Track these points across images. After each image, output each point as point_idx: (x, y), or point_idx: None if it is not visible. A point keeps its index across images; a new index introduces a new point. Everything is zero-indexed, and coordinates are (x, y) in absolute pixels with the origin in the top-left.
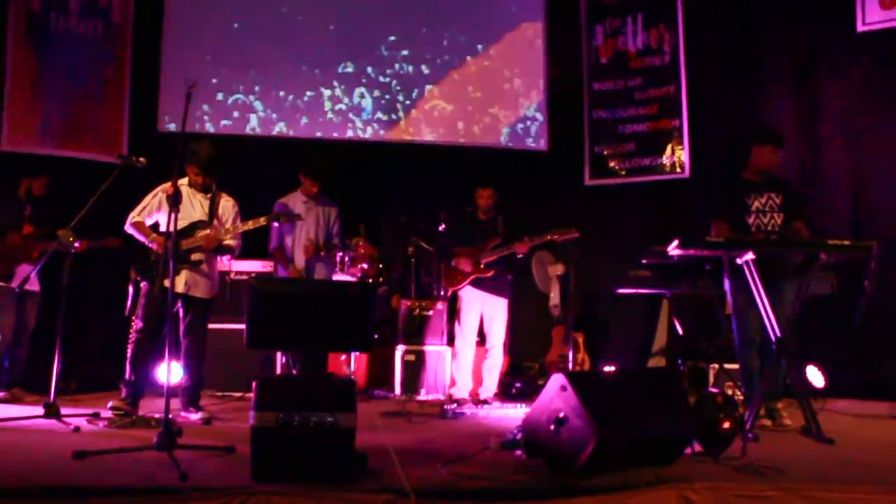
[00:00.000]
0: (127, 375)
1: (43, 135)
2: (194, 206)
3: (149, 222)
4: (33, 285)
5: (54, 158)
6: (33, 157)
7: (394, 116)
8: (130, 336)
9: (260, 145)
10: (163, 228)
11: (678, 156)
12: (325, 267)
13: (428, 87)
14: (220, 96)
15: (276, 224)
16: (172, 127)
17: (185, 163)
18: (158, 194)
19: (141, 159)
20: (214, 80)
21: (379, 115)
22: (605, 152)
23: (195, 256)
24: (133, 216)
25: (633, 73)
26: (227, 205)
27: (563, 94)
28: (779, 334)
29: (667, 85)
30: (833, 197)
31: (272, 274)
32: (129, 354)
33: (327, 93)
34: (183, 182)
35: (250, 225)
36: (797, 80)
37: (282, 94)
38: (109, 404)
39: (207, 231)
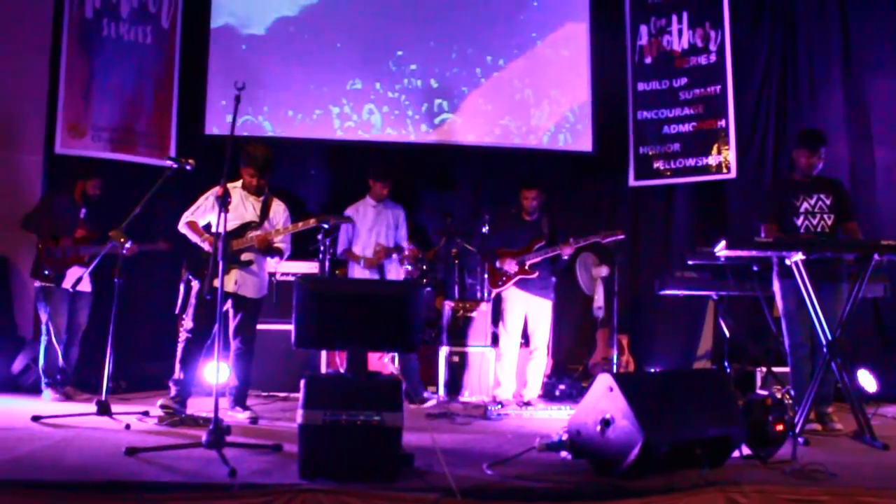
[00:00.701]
0: (176, 374)
1: (95, 138)
2: (246, 208)
3: (202, 222)
4: (85, 286)
5: (105, 161)
6: (85, 161)
7: (403, 131)
8: (180, 335)
9: (310, 147)
10: (214, 230)
11: (724, 156)
12: (395, 269)
13: (444, 101)
14: (228, 118)
15: (344, 227)
16: (216, 130)
17: (241, 165)
18: (209, 195)
19: (190, 161)
20: (223, 102)
21: (389, 130)
22: (650, 153)
23: (245, 256)
24: (187, 216)
25: (679, 72)
26: (278, 208)
27: (607, 94)
28: (830, 337)
29: (713, 84)
30: (886, 197)
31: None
32: (178, 354)
33: (336, 110)
34: (236, 185)
35: (300, 226)
36: (846, 77)
37: (290, 113)
38: (159, 402)
39: (259, 232)
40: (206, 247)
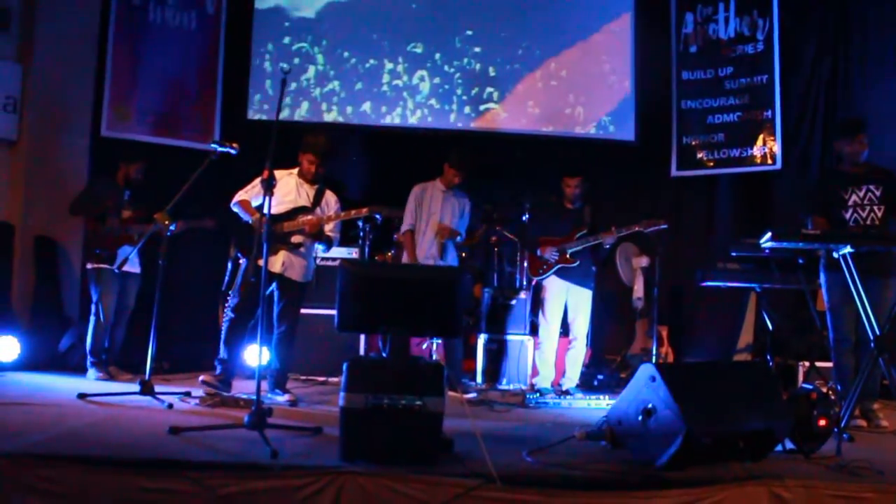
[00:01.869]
0: (220, 354)
1: (140, 122)
2: (300, 195)
3: (255, 203)
4: (134, 267)
5: (151, 145)
6: (131, 144)
7: (446, 107)
8: (225, 314)
9: (353, 133)
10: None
11: (770, 147)
12: (452, 253)
13: (494, 91)
14: (286, 39)
15: (409, 208)
16: (259, 116)
17: (300, 151)
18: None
19: (234, 145)
20: (287, 24)
21: (433, 101)
22: (694, 143)
23: (295, 239)
24: (240, 194)
25: (725, 61)
26: (330, 199)
27: (651, 84)
28: (878, 332)
29: (759, 74)
30: None
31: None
32: (223, 333)
33: (389, 66)
34: (293, 171)
35: (353, 214)
36: None
37: (346, 54)
38: (201, 378)
39: (310, 217)
40: (255, 225)
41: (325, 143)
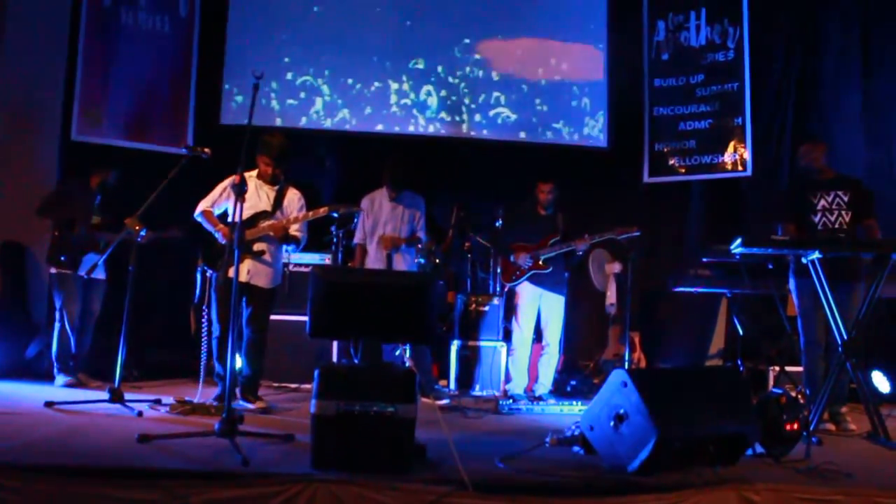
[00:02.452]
0: (217, 370)
1: (111, 126)
2: (260, 197)
3: (217, 211)
4: (100, 273)
5: (122, 149)
6: (101, 148)
7: (457, 118)
8: (194, 323)
9: (325, 139)
10: (230, 219)
11: (740, 153)
12: (405, 260)
13: (501, 95)
14: (289, 75)
15: (360, 218)
16: (233, 118)
17: (256, 153)
18: (225, 184)
19: (206, 150)
20: (287, 59)
21: (443, 114)
22: (665, 150)
23: (257, 247)
24: (202, 204)
25: (696, 69)
26: (293, 197)
27: (623, 90)
28: (845, 337)
29: (730, 82)
30: None
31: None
32: (214, 351)
33: (395, 86)
34: (252, 174)
35: (310, 215)
36: (866, 75)
37: (350, 81)
38: (208, 401)
39: (272, 221)
40: (219, 237)
41: (280, 145)
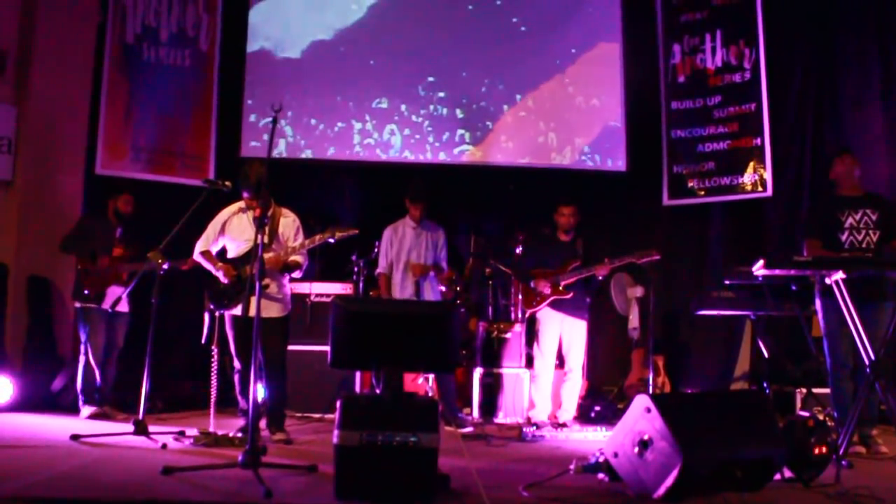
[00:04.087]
0: (241, 405)
1: (135, 160)
2: (252, 227)
3: (215, 249)
4: (123, 306)
5: (145, 182)
6: (125, 181)
7: (421, 156)
8: (212, 363)
9: (341, 169)
10: (230, 255)
11: (760, 174)
12: (432, 289)
13: (505, 106)
14: (252, 118)
15: (384, 247)
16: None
17: (239, 187)
18: (217, 221)
19: (227, 183)
20: (249, 101)
21: (406, 153)
22: (684, 172)
23: (267, 281)
24: (199, 245)
25: (713, 90)
26: (286, 221)
27: (640, 114)
28: (873, 357)
29: (747, 102)
30: None
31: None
32: (236, 386)
33: (358, 126)
34: (241, 205)
35: (307, 244)
36: (886, 92)
37: (313, 122)
38: (232, 433)
39: (270, 254)
40: (220, 276)
41: (256, 174)
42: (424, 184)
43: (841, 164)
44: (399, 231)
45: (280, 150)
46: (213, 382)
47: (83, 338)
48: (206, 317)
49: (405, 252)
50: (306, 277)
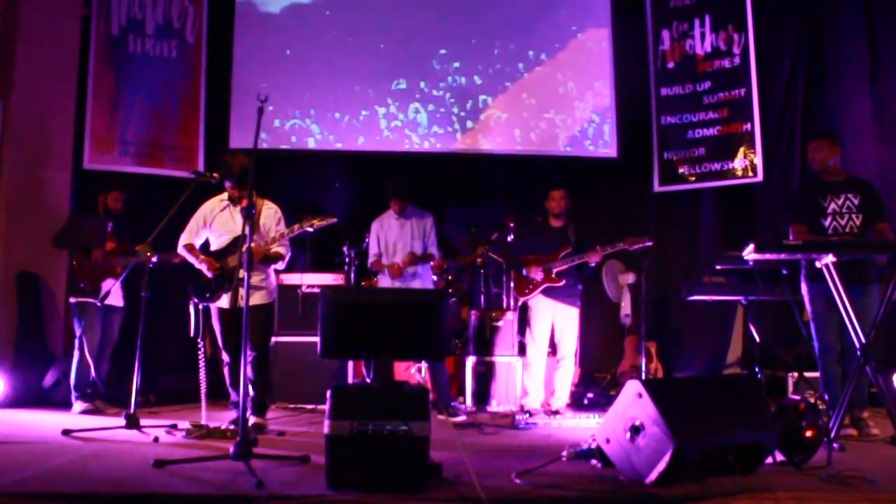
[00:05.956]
0: (232, 397)
1: (123, 153)
2: (235, 220)
3: (198, 242)
4: (117, 300)
5: (133, 175)
6: (113, 175)
7: (449, 129)
8: (200, 355)
9: (327, 161)
10: (213, 248)
11: (750, 159)
12: (421, 280)
13: (488, 97)
14: (276, 122)
15: (372, 238)
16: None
17: (222, 177)
18: (199, 214)
19: (214, 175)
20: (271, 108)
21: (435, 128)
22: (675, 158)
23: (243, 272)
24: (183, 239)
25: (702, 76)
26: (268, 213)
27: (630, 100)
28: (863, 340)
29: (737, 88)
30: None
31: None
32: (226, 378)
33: (382, 111)
34: (224, 198)
35: (287, 234)
36: (875, 77)
37: (337, 115)
38: (224, 426)
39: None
40: (204, 269)
41: (239, 165)
42: (398, 181)
43: (813, 150)
44: (384, 224)
45: (311, 147)
46: (202, 375)
47: (78, 332)
48: (192, 310)
49: (392, 244)
50: (297, 268)
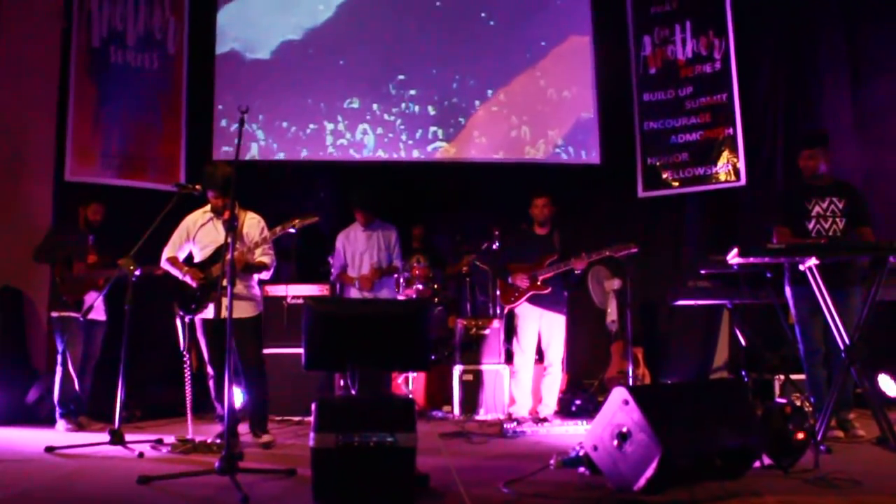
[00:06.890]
0: (217, 411)
1: (105, 165)
2: (218, 231)
3: (181, 255)
4: (99, 314)
5: (115, 187)
6: (95, 187)
7: (395, 154)
8: (185, 369)
9: (312, 170)
10: (196, 259)
11: (733, 164)
12: (388, 290)
13: (477, 101)
14: (223, 122)
15: (337, 251)
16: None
17: (205, 187)
18: (182, 227)
19: (197, 187)
20: (220, 107)
21: (380, 152)
22: (658, 163)
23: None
24: (166, 252)
25: (684, 82)
26: (251, 222)
27: (613, 106)
28: (847, 342)
29: (719, 93)
30: None
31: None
32: (211, 392)
33: (330, 126)
34: (206, 209)
35: (269, 237)
36: (855, 81)
37: (284, 124)
38: (210, 440)
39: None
40: (188, 280)
41: (222, 174)
42: (364, 190)
43: (807, 158)
44: (350, 236)
45: (253, 153)
46: (188, 388)
47: (60, 347)
48: (178, 322)
49: (359, 255)
50: (282, 279)
